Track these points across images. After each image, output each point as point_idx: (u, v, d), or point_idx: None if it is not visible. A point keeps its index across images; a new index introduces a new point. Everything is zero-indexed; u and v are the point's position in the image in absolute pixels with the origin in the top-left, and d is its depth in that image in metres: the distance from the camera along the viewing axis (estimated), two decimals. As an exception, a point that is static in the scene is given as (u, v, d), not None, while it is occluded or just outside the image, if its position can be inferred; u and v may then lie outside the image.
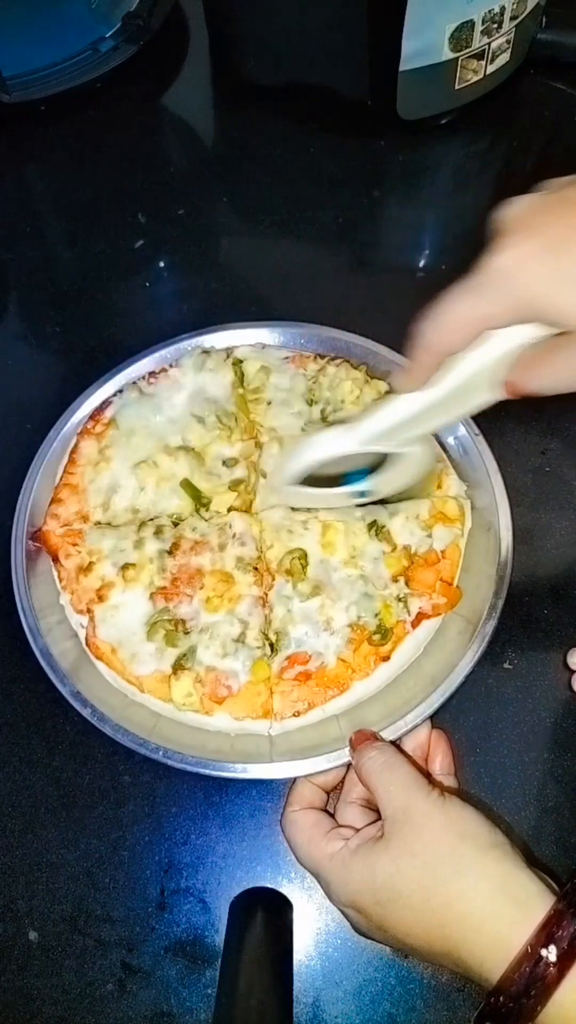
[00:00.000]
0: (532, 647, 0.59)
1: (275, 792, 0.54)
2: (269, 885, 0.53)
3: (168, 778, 0.55)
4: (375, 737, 0.50)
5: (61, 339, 0.76)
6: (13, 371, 0.75)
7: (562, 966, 0.37)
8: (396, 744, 0.51)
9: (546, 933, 0.38)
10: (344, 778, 0.52)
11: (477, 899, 0.40)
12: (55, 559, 0.58)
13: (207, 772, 0.50)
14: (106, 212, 0.84)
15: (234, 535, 0.58)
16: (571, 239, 0.36)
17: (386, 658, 0.54)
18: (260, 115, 0.89)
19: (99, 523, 0.60)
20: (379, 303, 0.74)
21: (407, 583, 0.56)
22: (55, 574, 0.58)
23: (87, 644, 0.56)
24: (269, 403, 0.64)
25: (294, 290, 0.76)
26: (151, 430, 0.62)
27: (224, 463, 0.61)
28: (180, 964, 0.51)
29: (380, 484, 0.53)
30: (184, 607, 0.55)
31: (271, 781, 0.53)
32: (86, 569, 0.57)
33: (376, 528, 0.57)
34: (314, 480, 0.53)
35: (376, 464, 0.51)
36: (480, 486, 0.60)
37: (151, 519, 0.59)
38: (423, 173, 0.85)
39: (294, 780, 0.51)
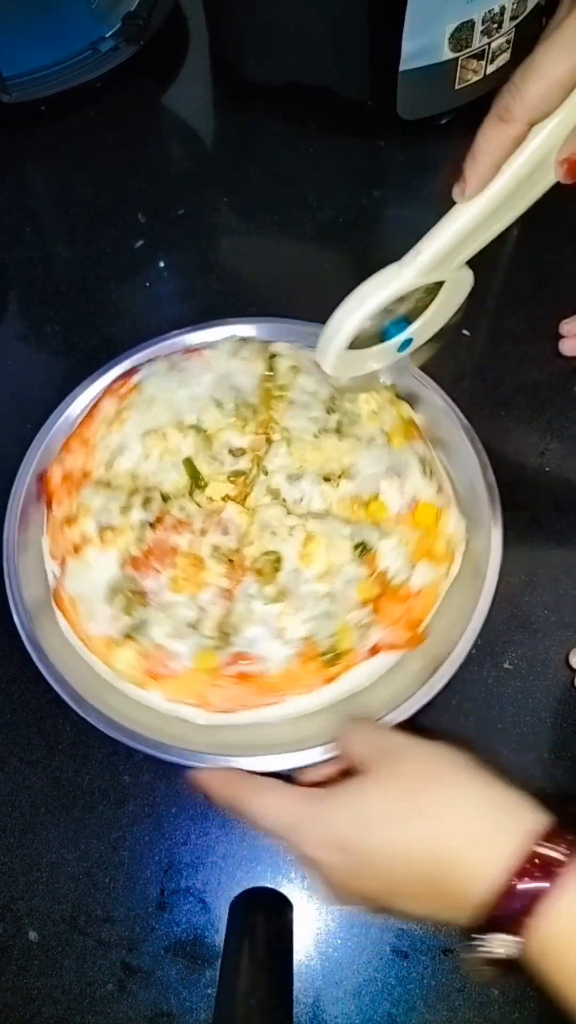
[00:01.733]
0: (532, 647, 0.59)
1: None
2: (269, 885, 0.53)
3: (168, 778, 0.55)
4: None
5: (61, 339, 0.76)
6: (13, 371, 0.75)
7: (566, 863, 0.34)
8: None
9: (556, 833, 0.35)
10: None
11: (472, 809, 0.37)
12: (48, 505, 0.60)
13: (167, 758, 0.51)
14: (106, 212, 0.84)
15: (218, 521, 0.58)
16: None
17: (331, 680, 0.53)
18: (260, 115, 0.89)
19: (99, 481, 0.61)
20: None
21: (373, 611, 0.54)
22: (45, 518, 0.60)
23: (53, 592, 0.57)
24: (291, 403, 0.63)
25: (294, 290, 0.76)
26: (171, 403, 0.62)
27: (231, 452, 0.62)
28: (180, 964, 0.51)
29: (423, 329, 0.50)
30: (150, 580, 0.56)
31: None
32: (70, 521, 0.58)
33: (363, 549, 0.56)
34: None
35: (412, 310, 0.48)
36: (479, 528, 0.58)
37: (146, 488, 0.60)
38: (423, 173, 0.85)
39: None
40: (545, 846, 0.35)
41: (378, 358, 0.52)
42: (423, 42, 0.75)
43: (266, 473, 0.61)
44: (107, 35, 0.91)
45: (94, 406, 0.64)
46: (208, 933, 0.52)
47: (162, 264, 0.81)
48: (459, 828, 0.37)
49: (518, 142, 0.39)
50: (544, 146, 0.40)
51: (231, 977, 0.46)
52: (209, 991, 0.50)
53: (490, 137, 0.40)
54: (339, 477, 0.60)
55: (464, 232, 0.43)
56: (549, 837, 0.35)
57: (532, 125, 0.39)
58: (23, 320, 0.79)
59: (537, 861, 0.34)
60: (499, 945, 0.35)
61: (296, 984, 0.49)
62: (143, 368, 0.65)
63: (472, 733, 0.56)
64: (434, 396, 0.63)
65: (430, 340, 0.53)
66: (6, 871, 0.54)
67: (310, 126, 0.87)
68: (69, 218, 0.85)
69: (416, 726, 0.52)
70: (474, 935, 0.35)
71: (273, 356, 0.65)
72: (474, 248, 0.45)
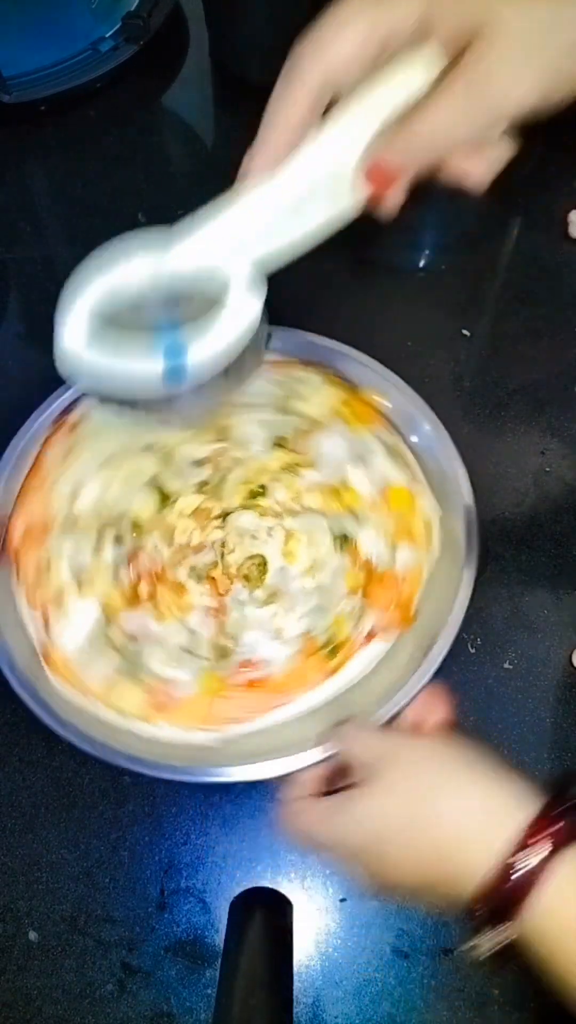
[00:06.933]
0: (532, 647, 0.59)
1: (275, 792, 0.54)
2: (269, 885, 0.53)
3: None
4: None
5: (61, 339, 0.76)
6: (12, 371, 0.75)
7: (556, 848, 0.36)
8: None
9: (545, 820, 0.37)
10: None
11: (466, 812, 0.39)
12: (16, 560, 0.57)
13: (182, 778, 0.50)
14: (106, 212, 0.84)
15: (189, 547, 0.57)
16: None
17: (333, 672, 0.54)
18: (260, 115, 0.89)
19: (64, 523, 0.58)
20: (378, 304, 0.74)
21: (364, 597, 0.55)
22: (13, 574, 0.57)
23: (43, 654, 0.55)
24: (246, 405, 0.61)
25: (292, 291, 0.76)
26: (121, 427, 0.60)
27: (194, 463, 0.60)
28: (180, 964, 0.51)
29: (199, 351, 0.40)
30: (134, 620, 0.55)
31: (269, 781, 0.53)
32: (41, 570, 0.56)
33: (343, 539, 0.56)
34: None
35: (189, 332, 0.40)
36: (453, 509, 0.57)
37: (114, 518, 0.58)
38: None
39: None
40: (531, 840, 0.36)
41: (135, 377, 0.40)
42: (423, 42, 0.74)
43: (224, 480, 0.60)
44: (107, 35, 0.90)
45: (40, 453, 0.60)
46: (208, 933, 0.52)
47: (162, 264, 0.81)
48: (454, 833, 0.39)
49: (311, 108, 0.34)
50: (341, 140, 0.34)
51: (231, 977, 0.46)
52: (209, 991, 0.50)
53: (281, 98, 0.34)
54: (298, 467, 0.59)
55: (247, 212, 0.36)
56: (536, 830, 0.37)
57: (324, 87, 0.33)
58: (23, 320, 0.79)
59: (524, 855, 0.36)
60: (491, 938, 0.37)
61: (296, 984, 0.49)
62: (81, 403, 0.61)
63: (472, 733, 0.56)
64: (393, 380, 0.61)
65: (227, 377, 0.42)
66: (6, 871, 0.54)
67: (310, 126, 0.87)
68: (69, 218, 0.85)
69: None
70: (471, 928, 0.38)
71: None
72: (261, 251, 0.38)
